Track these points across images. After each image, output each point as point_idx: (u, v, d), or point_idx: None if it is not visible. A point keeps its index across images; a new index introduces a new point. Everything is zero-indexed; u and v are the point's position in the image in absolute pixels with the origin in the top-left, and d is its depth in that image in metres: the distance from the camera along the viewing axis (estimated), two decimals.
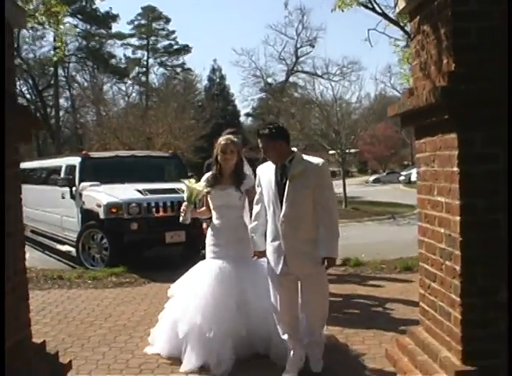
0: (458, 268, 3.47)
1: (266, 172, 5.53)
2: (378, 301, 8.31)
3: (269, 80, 62.32)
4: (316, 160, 5.43)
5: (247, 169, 6.49)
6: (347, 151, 33.64)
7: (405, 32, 10.34)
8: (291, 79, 60.67)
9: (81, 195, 12.73)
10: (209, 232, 6.44)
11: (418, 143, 4.11)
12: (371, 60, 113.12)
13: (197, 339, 5.77)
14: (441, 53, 3.58)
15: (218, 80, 60.83)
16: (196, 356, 5.71)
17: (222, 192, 6.30)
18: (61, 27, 7.32)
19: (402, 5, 4.07)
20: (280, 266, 5.37)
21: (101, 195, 12.13)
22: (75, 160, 13.55)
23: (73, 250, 13.14)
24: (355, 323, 7.07)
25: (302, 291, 5.52)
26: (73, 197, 12.94)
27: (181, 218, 6.46)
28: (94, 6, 59.14)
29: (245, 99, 74.40)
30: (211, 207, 6.43)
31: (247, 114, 65.73)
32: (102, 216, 11.80)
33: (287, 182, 5.25)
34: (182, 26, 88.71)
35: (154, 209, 11.81)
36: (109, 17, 62.22)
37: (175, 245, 12.22)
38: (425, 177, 4.00)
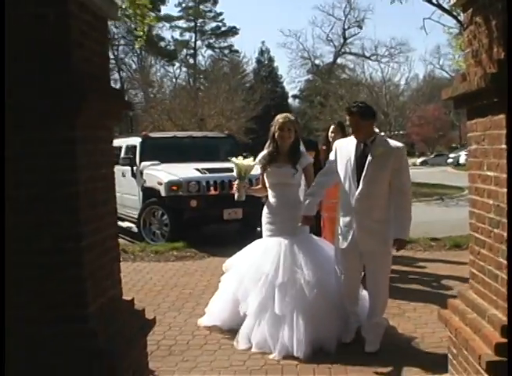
0: (505, 234, 3.86)
1: (346, 148, 5.63)
2: (429, 276, 8.75)
3: (317, 61, 62.17)
4: (397, 143, 5.63)
5: (303, 148, 6.50)
6: (395, 133, 33.71)
7: (458, 21, 10.65)
8: (339, 60, 60.46)
9: (141, 173, 13.29)
10: (265, 210, 6.47)
11: (470, 124, 4.48)
12: (420, 41, 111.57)
13: (260, 318, 5.85)
14: (491, 42, 3.94)
15: (266, 62, 61.13)
16: (261, 335, 5.79)
17: (278, 170, 6.28)
18: (146, 18, 7.89)
19: None
20: (348, 241, 5.56)
21: (162, 173, 12.68)
22: (136, 141, 14.12)
23: (133, 226, 13.74)
24: (407, 295, 7.50)
25: (367, 270, 5.75)
26: (134, 175, 13.51)
27: (236, 196, 6.59)
28: None
29: (292, 80, 75.00)
30: (267, 185, 6.45)
31: (295, 96, 65.83)
32: (163, 194, 12.37)
33: (367, 160, 5.41)
34: (229, 8, 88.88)
35: (212, 187, 12.30)
36: (159, 0, 62.82)
37: (233, 222, 12.75)
38: (476, 154, 4.39)
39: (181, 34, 68.61)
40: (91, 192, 4.21)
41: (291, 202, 6.28)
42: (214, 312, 6.49)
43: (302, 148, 6.52)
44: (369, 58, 54.18)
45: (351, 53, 60.26)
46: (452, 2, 4.72)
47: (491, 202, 4.10)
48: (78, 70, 3.92)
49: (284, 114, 6.46)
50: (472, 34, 4.35)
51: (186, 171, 12.67)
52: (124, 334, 4.41)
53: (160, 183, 12.46)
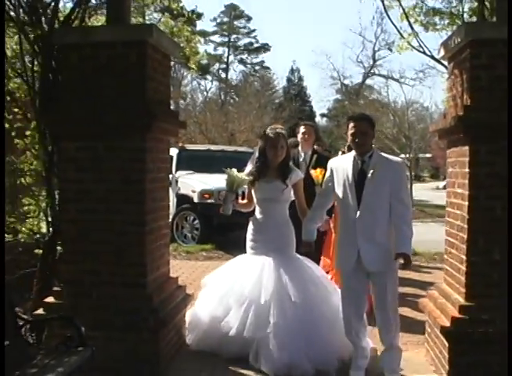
0: (466, 236, 5.08)
1: (342, 166, 5.32)
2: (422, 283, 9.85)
3: (346, 82, 62.53)
4: (395, 158, 5.51)
5: (291, 163, 6.39)
6: (420, 156, 34.44)
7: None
8: (367, 82, 60.88)
9: (176, 182, 14.56)
10: (250, 226, 6.21)
11: (448, 152, 5.71)
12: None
13: (242, 339, 5.63)
14: (463, 91, 5.13)
15: (296, 81, 62.06)
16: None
17: (268, 185, 5.97)
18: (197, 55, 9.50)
19: (442, 53, 5.71)
20: (353, 262, 5.22)
21: (195, 182, 14.01)
22: (173, 152, 15.38)
23: None
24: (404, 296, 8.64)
25: (374, 290, 5.32)
26: (169, 183, 14.77)
27: (221, 209, 6.21)
28: (181, 4, 61.32)
29: (321, 99, 75.19)
30: (254, 200, 6.16)
31: (323, 115, 66.47)
32: (195, 200, 13.66)
33: (367, 177, 5.14)
34: (262, 25, 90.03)
35: (240, 197, 13.50)
36: (195, 15, 64.22)
37: None
38: (451, 176, 5.61)
39: (214, 49, 69.96)
40: (153, 190, 5.51)
41: (278, 219, 6.04)
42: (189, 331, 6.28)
43: (291, 163, 6.40)
44: (397, 80, 54.58)
45: (379, 75, 60.48)
46: (439, 56, 5.98)
47: (458, 212, 5.33)
48: (149, 97, 5.25)
49: (276, 130, 6.07)
50: (452, 83, 5.61)
51: (218, 181, 13.80)
52: (171, 301, 5.71)
53: (194, 191, 13.79)
